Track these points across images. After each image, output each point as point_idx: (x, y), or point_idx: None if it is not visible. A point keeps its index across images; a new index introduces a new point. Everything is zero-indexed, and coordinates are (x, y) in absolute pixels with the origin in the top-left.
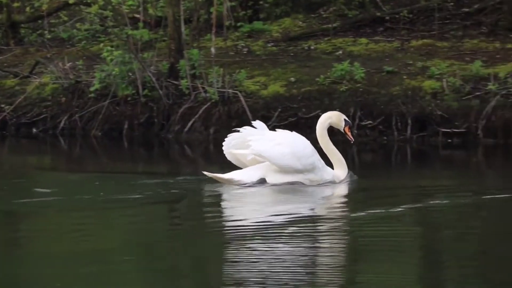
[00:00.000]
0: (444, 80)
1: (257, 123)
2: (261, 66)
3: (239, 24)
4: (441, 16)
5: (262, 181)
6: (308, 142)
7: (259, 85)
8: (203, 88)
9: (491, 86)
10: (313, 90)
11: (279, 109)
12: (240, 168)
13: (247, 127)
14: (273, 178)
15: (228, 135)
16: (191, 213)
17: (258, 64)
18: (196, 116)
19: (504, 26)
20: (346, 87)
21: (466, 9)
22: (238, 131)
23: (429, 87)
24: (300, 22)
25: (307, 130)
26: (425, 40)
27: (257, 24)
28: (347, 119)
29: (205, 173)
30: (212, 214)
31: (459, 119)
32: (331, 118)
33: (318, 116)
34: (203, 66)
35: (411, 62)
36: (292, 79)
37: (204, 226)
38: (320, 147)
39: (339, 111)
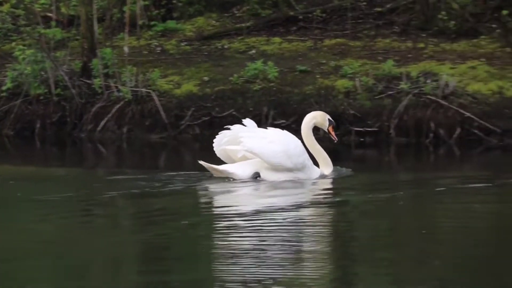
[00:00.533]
0: (356, 79)
1: (247, 121)
2: (175, 65)
3: (152, 23)
4: (354, 16)
5: (256, 176)
6: (299, 141)
7: (172, 84)
8: (116, 87)
9: (403, 85)
10: (226, 89)
11: (193, 108)
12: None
13: (237, 125)
14: (264, 174)
15: (219, 133)
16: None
17: (172, 63)
18: (109, 115)
19: (416, 26)
20: (259, 86)
21: (379, 9)
22: (229, 128)
23: (342, 86)
24: (214, 21)
25: (220, 130)
26: (338, 40)
27: (171, 23)
28: (330, 119)
29: (201, 162)
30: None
31: (371, 118)
32: (316, 118)
33: (232, 115)
34: (116, 65)
35: (324, 61)
36: (206, 78)
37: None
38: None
39: (252, 110)
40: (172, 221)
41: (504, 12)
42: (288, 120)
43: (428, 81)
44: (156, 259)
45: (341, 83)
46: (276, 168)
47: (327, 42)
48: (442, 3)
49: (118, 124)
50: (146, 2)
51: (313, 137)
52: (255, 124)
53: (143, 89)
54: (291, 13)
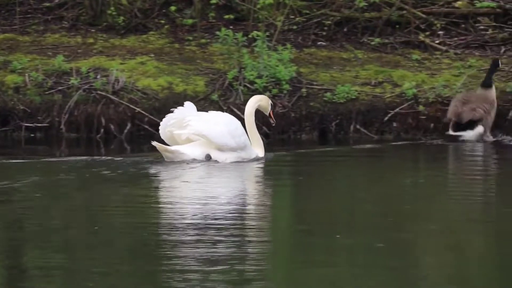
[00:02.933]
0: (26, 74)
1: (187, 103)
2: None
3: None
4: (22, 11)
5: (208, 157)
6: (239, 122)
7: None
8: None
9: (73, 81)
10: None
11: None
12: None
13: (179, 108)
14: (214, 155)
15: (166, 116)
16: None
17: None
18: None
19: (85, 21)
20: None
21: (47, 4)
22: (173, 111)
23: (11, 82)
24: None
25: None
26: (6, 35)
27: None
28: (271, 103)
29: (154, 143)
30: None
31: (42, 114)
32: (261, 101)
33: None
34: None
35: None
36: None
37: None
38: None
39: None
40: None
41: (172, 8)
42: None
43: (98, 76)
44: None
45: (11, 79)
46: (222, 148)
47: None
48: None
49: None
50: None
51: (253, 119)
52: (194, 107)
53: None
54: None
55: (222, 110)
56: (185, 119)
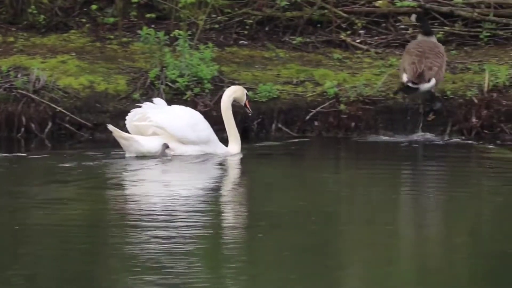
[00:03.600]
0: None
1: (157, 100)
2: None
3: None
4: None
5: (165, 146)
6: (202, 117)
7: None
8: None
9: None
10: None
11: None
12: None
13: (147, 103)
14: (172, 146)
15: (131, 110)
16: None
17: None
18: None
19: (5, 20)
20: None
21: None
22: (140, 106)
23: None
24: None
25: None
26: None
27: None
28: (247, 93)
29: (110, 127)
30: None
31: None
32: (236, 92)
33: None
34: None
35: None
36: None
37: None
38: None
39: None
40: None
41: (94, 6)
42: None
43: (19, 75)
44: None
45: None
46: (183, 141)
47: None
48: None
49: None
50: None
51: (231, 113)
52: (165, 103)
53: None
54: None
55: None
56: (146, 112)
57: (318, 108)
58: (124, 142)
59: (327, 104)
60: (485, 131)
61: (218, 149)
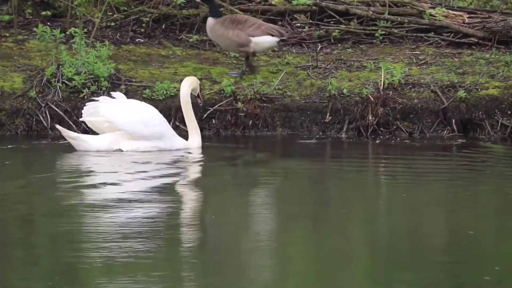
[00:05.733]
0: None
1: (117, 94)
2: None
3: None
4: None
5: (112, 145)
6: (157, 111)
7: None
8: None
9: None
10: None
11: None
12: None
13: (105, 97)
14: (125, 144)
15: (86, 103)
16: None
17: None
18: None
19: None
20: None
21: None
22: (97, 100)
23: None
24: None
25: None
26: None
27: None
28: (200, 83)
29: (58, 126)
30: None
31: None
32: (193, 83)
33: None
34: None
35: None
36: None
37: None
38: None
39: None
40: None
41: None
42: None
43: None
44: None
45: None
46: (134, 137)
47: None
48: None
49: None
50: None
51: (191, 105)
52: (124, 97)
53: None
54: None
55: (40, 107)
56: (98, 107)
57: (216, 106)
58: (72, 142)
59: (224, 102)
60: (381, 129)
61: (175, 144)
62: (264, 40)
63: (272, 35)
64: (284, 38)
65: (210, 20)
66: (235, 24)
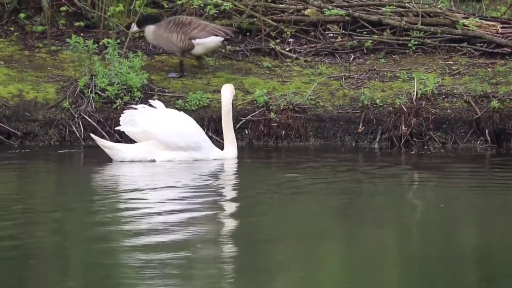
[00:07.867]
0: None
1: (155, 102)
2: None
3: None
4: None
5: (147, 155)
6: (194, 122)
7: None
8: None
9: None
10: None
11: None
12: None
13: (144, 105)
14: (160, 155)
15: (124, 111)
16: None
17: None
18: None
19: None
20: None
21: None
22: (135, 108)
23: None
24: None
25: None
26: None
27: None
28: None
29: (92, 136)
30: None
31: None
32: (233, 91)
33: None
34: None
35: None
36: None
37: None
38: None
39: None
40: None
41: (22, 15)
42: None
43: None
44: None
45: None
46: (170, 147)
47: None
48: None
49: None
50: None
51: (231, 114)
52: (163, 105)
53: None
54: None
55: (73, 118)
56: (135, 116)
57: (248, 117)
58: (107, 151)
59: (257, 112)
60: (414, 139)
61: (211, 155)
62: (209, 41)
63: (217, 35)
64: (228, 37)
65: (151, 27)
66: (179, 26)
